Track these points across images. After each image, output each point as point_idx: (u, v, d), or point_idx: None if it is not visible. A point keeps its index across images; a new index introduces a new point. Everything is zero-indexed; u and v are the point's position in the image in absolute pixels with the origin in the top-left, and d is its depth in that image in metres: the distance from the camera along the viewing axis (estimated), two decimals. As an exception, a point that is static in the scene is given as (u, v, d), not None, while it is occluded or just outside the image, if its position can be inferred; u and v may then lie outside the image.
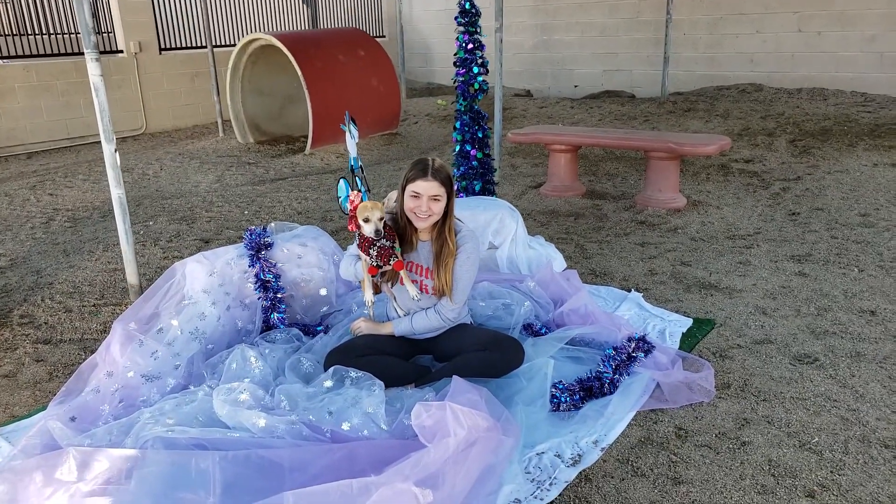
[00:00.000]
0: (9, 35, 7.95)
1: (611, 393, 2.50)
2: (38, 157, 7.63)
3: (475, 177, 4.33)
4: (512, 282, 3.27)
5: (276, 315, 2.96)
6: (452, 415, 2.01)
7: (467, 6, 4.11)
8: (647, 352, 2.66)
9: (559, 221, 4.77)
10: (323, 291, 3.12)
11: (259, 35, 7.29)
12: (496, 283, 3.24)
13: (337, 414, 2.24)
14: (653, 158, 4.90)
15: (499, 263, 3.63)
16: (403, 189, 2.53)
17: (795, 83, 8.76)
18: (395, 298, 2.70)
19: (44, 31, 8.29)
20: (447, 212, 2.54)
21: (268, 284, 2.96)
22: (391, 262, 2.53)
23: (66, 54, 8.29)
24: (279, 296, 2.97)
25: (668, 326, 3.08)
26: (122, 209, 3.28)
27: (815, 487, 2.05)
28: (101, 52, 3.06)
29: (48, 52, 8.19)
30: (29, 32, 8.19)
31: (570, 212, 4.98)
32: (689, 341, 2.96)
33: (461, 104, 4.25)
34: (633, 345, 2.66)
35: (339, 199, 2.71)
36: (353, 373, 2.44)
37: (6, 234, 4.82)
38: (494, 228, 3.66)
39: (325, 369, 2.51)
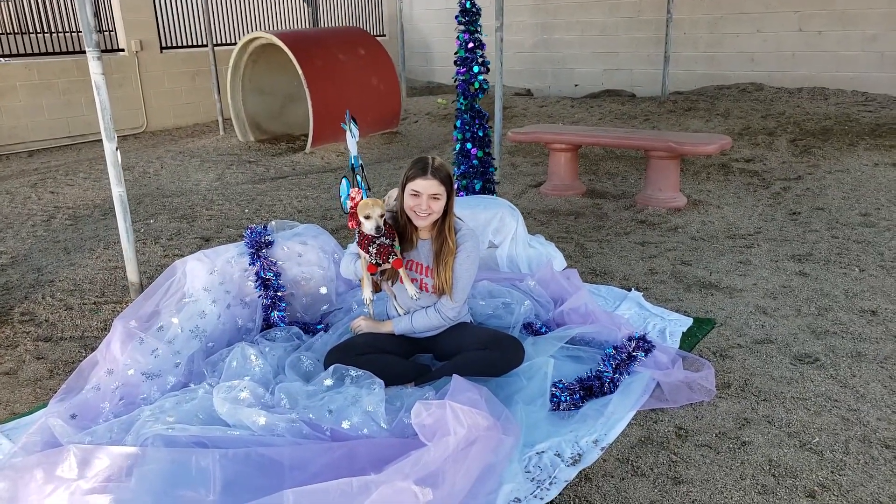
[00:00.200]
0: (10, 33, 7.95)
1: (611, 392, 2.50)
2: (39, 155, 7.64)
3: (475, 175, 4.33)
4: (512, 280, 3.27)
5: (276, 313, 2.96)
6: (452, 413, 2.01)
7: (468, 5, 4.11)
8: (648, 351, 2.66)
9: (559, 220, 4.77)
10: (323, 290, 3.12)
11: (260, 34, 7.28)
12: (496, 281, 3.24)
13: (337, 412, 2.24)
14: (653, 158, 4.90)
15: (499, 262, 3.63)
16: (403, 187, 2.53)
17: (796, 82, 8.76)
18: (395, 297, 2.70)
19: (45, 30, 8.29)
20: (447, 210, 2.55)
21: (268, 283, 2.96)
22: (390, 260, 2.53)
23: (68, 53, 8.29)
24: (279, 294, 2.97)
25: (669, 326, 3.08)
26: (123, 207, 3.28)
27: (815, 488, 2.05)
28: (103, 51, 3.07)
29: (49, 50, 8.18)
30: (30, 31, 8.19)
31: (570, 211, 4.98)
32: (689, 341, 2.96)
33: (462, 103, 4.25)
34: (633, 344, 2.66)
35: (341, 199, 2.71)
36: (353, 371, 2.44)
37: (7, 232, 4.82)
38: (494, 227, 3.66)
39: (325, 368, 2.51)
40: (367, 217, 2.45)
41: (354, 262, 2.69)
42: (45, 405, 2.54)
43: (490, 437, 2.04)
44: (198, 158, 7.15)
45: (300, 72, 6.85)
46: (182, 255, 3.68)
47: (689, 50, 9.47)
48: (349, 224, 2.53)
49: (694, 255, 4.02)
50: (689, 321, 3.13)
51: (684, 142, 4.74)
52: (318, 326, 3.03)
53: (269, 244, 3.03)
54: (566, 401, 2.44)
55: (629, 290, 3.49)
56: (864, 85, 8.32)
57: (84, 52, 3.07)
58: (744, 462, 2.16)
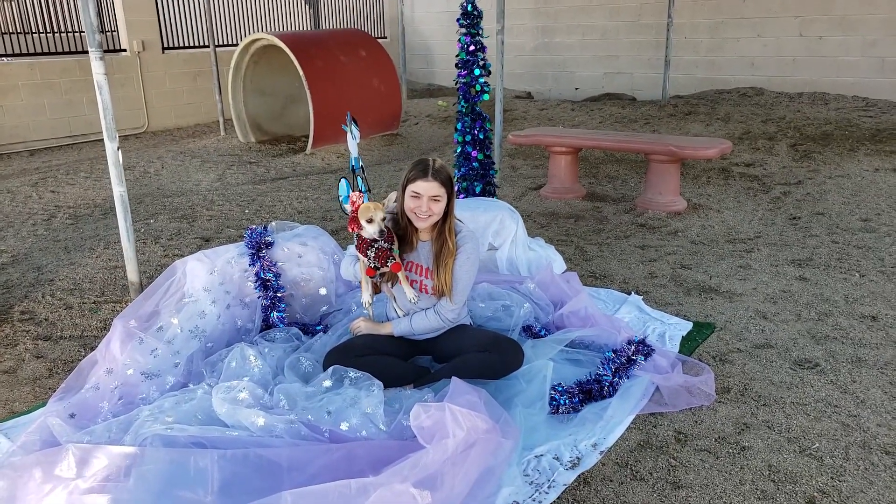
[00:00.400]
0: (13, 33, 7.96)
1: (610, 396, 2.49)
2: (40, 155, 7.64)
3: (476, 178, 4.33)
4: (512, 283, 3.27)
5: (275, 314, 2.96)
6: (451, 416, 2.01)
7: (469, 8, 4.12)
8: (647, 355, 2.65)
9: (559, 223, 4.77)
10: (323, 291, 3.12)
11: (261, 35, 7.29)
12: (496, 284, 3.23)
13: (336, 414, 2.23)
14: (653, 161, 4.91)
15: (498, 265, 3.63)
16: (404, 189, 2.53)
17: (796, 87, 8.77)
18: (394, 299, 2.70)
19: (47, 30, 8.29)
20: (447, 212, 2.55)
21: (268, 283, 2.96)
22: (389, 264, 2.53)
23: (70, 52, 8.30)
24: (279, 295, 2.97)
25: (668, 330, 3.07)
26: (124, 207, 3.28)
27: (815, 493, 2.04)
28: (105, 51, 3.07)
29: (52, 50, 8.19)
30: (33, 31, 8.20)
31: (570, 214, 4.98)
32: (688, 345, 2.96)
33: (462, 105, 4.26)
34: (632, 348, 2.65)
35: (340, 199, 2.71)
36: (352, 373, 2.44)
37: (8, 231, 4.82)
38: (494, 229, 3.66)
39: (325, 369, 2.51)
40: (370, 221, 2.45)
41: (354, 264, 2.69)
42: (44, 404, 2.54)
43: (489, 440, 2.04)
44: (198, 159, 7.15)
45: (301, 73, 6.85)
46: (182, 256, 3.67)
47: (689, 54, 9.49)
48: (349, 228, 2.52)
49: (694, 259, 4.02)
50: (689, 325, 3.13)
51: (685, 146, 4.74)
52: (318, 327, 3.03)
53: (270, 245, 3.03)
54: (565, 404, 2.43)
55: (629, 293, 3.49)
56: (865, 90, 8.33)
57: (86, 52, 3.08)
58: (743, 467, 2.16)
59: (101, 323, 3.33)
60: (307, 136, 7.38)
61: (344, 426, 2.18)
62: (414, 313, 2.65)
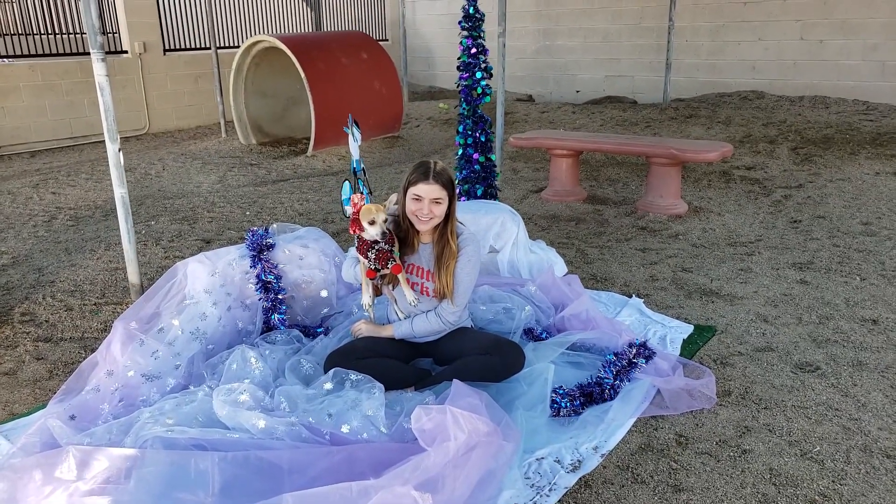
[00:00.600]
0: (14, 34, 7.97)
1: (611, 399, 2.49)
2: (41, 156, 7.64)
3: (478, 181, 4.33)
4: (513, 286, 3.26)
5: (276, 316, 2.95)
6: (453, 419, 2.01)
7: (471, 10, 4.12)
8: (648, 358, 2.65)
9: (560, 226, 4.77)
10: (324, 293, 3.12)
11: (263, 37, 7.30)
12: (497, 286, 3.23)
13: (336, 416, 2.23)
14: (654, 164, 4.91)
15: (500, 267, 3.63)
16: (405, 192, 2.53)
17: (797, 91, 8.78)
18: (395, 301, 2.70)
19: (49, 31, 8.30)
20: (449, 214, 2.54)
21: (269, 285, 2.95)
22: (389, 266, 2.53)
23: (71, 54, 8.31)
24: (280, 297, 2.97)
25: (669, 333, 3.07)
26: (125, 208, 3.28)
27: (816, 497, 2.04)
28: (106, 53, 3.07)
29: (53, 51, 8.20)
30: (34, 32, 8.21)
31: (571, 216, 4.98)
32: (689, 348, 2.95)
33: (464, 108, 4.26)
34: (633, 351, 2.65)
35: (342, 201, 2.71)
36: (353, 375, 2.43)
37: (8, 232, 4.82)
38: (496, 232, 3.66)
39: (325, 371, 2.51)
40: (372, 223, 2.44)
41: (355, 266, 2.69)
42: (44, 406, 2.53)
43: (490, 443, 2.03)
44: (199, 160, 7.15)
45: (302, 75, 6.86)
46: (183, 257, 3.67)
47: (690, 57, 9.50)
48: (350, 230, 2.52)
49: (695, 262, 4.02)
50: (690, 328, 3.13)
51: (686, 149, 4.74)
52: (319, 330, 3.03)
53: (271, 247, 3.03)
54: (566, 407, 2.43)
55: (630, 296, 3.49)
56: (866, 94, 8.34)
57: (87, 54, 3.08)
58: (744, 470, 2.16)
59: (101, 324, 3.32)
60: (308, 139, 7.38)
61: (345, 429, 2.18)
62: (415, 316, 2.65)
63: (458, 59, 4.22)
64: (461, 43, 4.18)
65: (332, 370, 2.46)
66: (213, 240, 4.56)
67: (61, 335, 3.23)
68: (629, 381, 2.57)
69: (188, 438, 2.10)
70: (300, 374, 2.58)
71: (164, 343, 2.63)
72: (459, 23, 4.17)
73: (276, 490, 1.90)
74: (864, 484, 2.09)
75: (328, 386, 2.41)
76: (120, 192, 3.25)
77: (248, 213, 5.23)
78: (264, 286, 2.95)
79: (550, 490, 2.06)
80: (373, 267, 2.54)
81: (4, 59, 7.76)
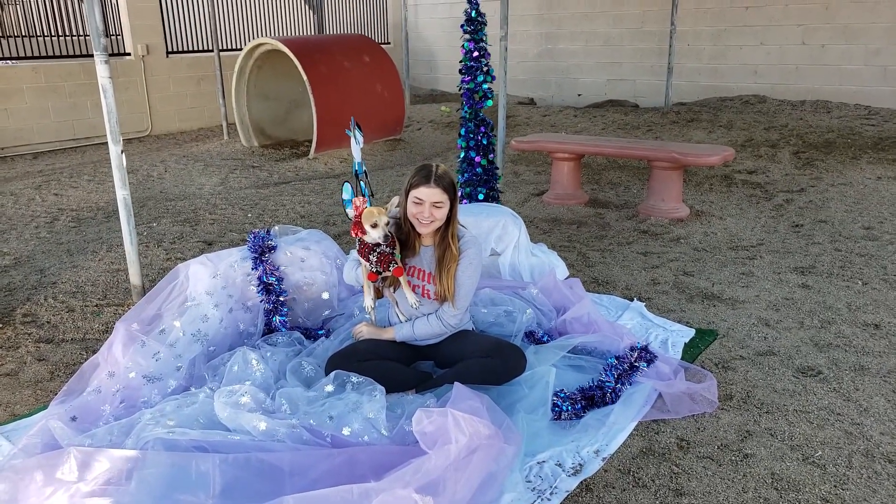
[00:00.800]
0: (17, 36, 7.99)
1: (612, 402, 2.49)
2: (43, 158, 7.66)
3: (479, 183, 4.34)
4: (514, 289, 3.26)
5: (278, 318, 2.95)
6: (454, 421, 2.01)
7: (473, 14, 4.13)
8: (650, 361, 2.65)
9: (562, 229, 4.77)
10: (325, 295, 3.12)
11: (265, 40, 7.32)
12: (498, 289, 3.23)
13: (338, 418, 2.23)
14: (656, 168, 4.91)
15: (501, 270, 3.63)
16: (406, 194, 2.53)
17: (799, 95, 8.78)
18: (396, 304, 2.70)
19: (52, 33, 8.33)
20: (451, 218, 2.55)
21: (270, 287, 2.96)
22: (390, 268, 2.53)
23: (74, 56, 8.33)
24: (281, 299, 2.97)
25: (671, 336, 3.07)
26: (127, 210, 3.28)
27: (818, 502, 2.03)
28: (109, 55, 3.08)
29: (56, 53, 8.22)
30: (37, 34, 8.23)
31: (572, 220, 4.98)
32: (691, 352, 2.95)
33: (466, 111, 4.27)
34: (635, 354, 2.65)
35: (343, 202, 2.71)
36: (355, 377, 2.43)
37: (11, 233, 4.83)
38: (497, 235, 3.66)
39: (327, 373, 2.51)
40: (374, 226, 2.44)
41: (356, 269, 2.69)
42: (45, 407, 2.53)
43: (491, 446, 2.03)
44: (202, 163, 7.16)
45: (305, 78, 6.87)
46: (184, 259, 3.68)
47: (692, 61, 9.51)
48: (352, 232, 2.52)
49: (696, 265, 4.01)
50: (692, 332, 3.12)
51: (687, 152, 4.74)
52: (320, 332, 3.03)
53: (272, 249, 3.03)
54: (568, 410, 2.43)
55: (631, 300, 3.49)
56: (868, 99, 8.34)
57: (90, 56, 3.08)
58: (746, 475, 2.15)
59: (103, 326, 3.33)
60: (310, 141, 7.39)
61: (346, 431, 2.18)
62: (416, 318, 2.65)
63: (461, 62, 4.23)
64: (463, 46, 4.19)
65: (334, 372, 2.46)
66: (215, 242, 4.57)
67: (63, 336, 3.23)
68: (631, 384, 2.57)
69: (189, 440, 2.09)
70: (301, 376, 2.58)
71: (165, 345, 2.63)
72: (462, 26, 4.18)
73: (277, 492, 1.90)
74: (866, 489, 2.08)
75: (329, 388, 2.41)
76: (122, 194, 3.26)
77: (249, 215, 5.23)
78: (266, 288, 2.95)
79: (552, 493, 2.05)
80: (374, 270, 2.54)
81: (8, 61, 7.78)
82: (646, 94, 9.95)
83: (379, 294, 2.71)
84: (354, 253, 2.67)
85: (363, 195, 2.60)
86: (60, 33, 8.39)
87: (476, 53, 4.16)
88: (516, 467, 2.11)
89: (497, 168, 4.43)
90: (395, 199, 2.58)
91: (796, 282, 3.73)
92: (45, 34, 8.27)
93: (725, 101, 8.99)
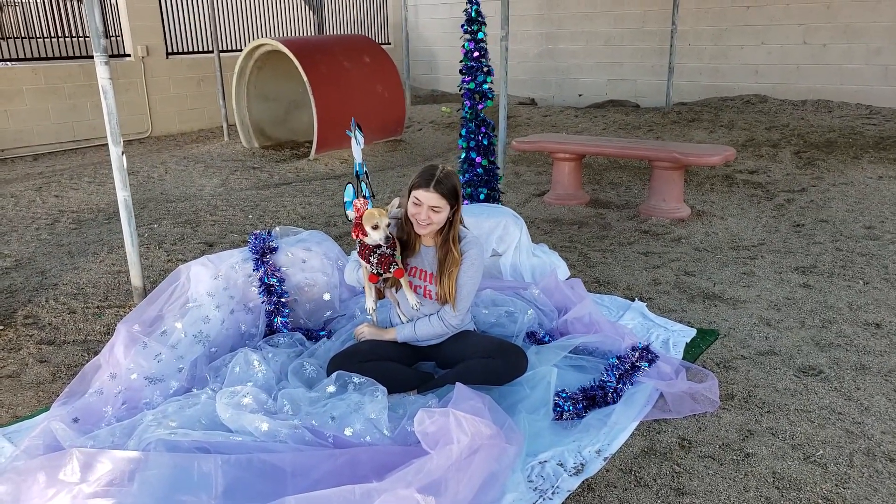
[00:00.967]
0: (17, 37, 8.00)
1: (614, 402, 2.49)
2: (44, 159, 7.66)
3: (480, 184, 4.34)
4: (516, 289, 3.26)
5: (279, 319, 2.96)
6: (455, 422, 2.01)
7: (473, 14, 4.13)
8: (651, 361, 2.65)
9: (563, 230, 4.77)
10: (326, 296, 3.12)
11: (265, 41, 7.32)
12: (500, 290, 3.23)
13: (339, 419, 2.23)
14: (657, 168, 4.91)
15: (502, 271, 3.63)
16: (409, 193, 2.53)
17: (800, 95, 8.78)
18: (398, 304, 2.70)
19: (52, 34, 8.34)
20: (452, 222, 2.54)
21: (272, 288, 2.96)
22: (391, 270, 2.53)
23: (74, 57, 8.34)
24: (283, 300, 2.97)
25: (672, 336, 3.07)
26: (128, 211, 3.28)
27: (819, 501, 2.04)
28: (109, 56, 3.08)
29: (56, 55, 8.23)
30: (37, 35, 8.24)
31: (573, 220, 4.98)
32: (692, 352, 2.95)
33: (466, 111, 4.27)
34: (636, 354, 2.65)
35: (345, 203, 2.71)
36: (356, 378, 2.43)
37: (11, 235, 4.83)
38: (498, 235, 3.67)
39: (328, 374, 2.51)
40: (375, 227, 2.44)
41: (358, 270, 2.69)
42: (47, 409, 2.54)
43: (493, 446, 2.03)
44: (202, 164, 7.17)
45: (305, 78, 6.87)
46: (186, 260, 3.68)
47: (693, 61, 9.51)
48: (353, 234, 2.52)
49: (697, 265, 4.01)
50: (693, 332, 3.12)
51: (688, 152, 4.74)
52: (322, 333, 3.03)
53: (273, 250, 3.03)
54: (569, 410, 2.43)
55: (633, 300, 3.49)
56: (869, 98, 8.34)
57: (90, 57, 3.08)
58: (747, 474, 2.15)
59: (104, 327, 3.33)
60: (311, 142, 7.39)
61: (348, 431, 2.18)
62: (418, 319, 2.65)
63: (461, 62, 4.23)
64: (464, 46, 4.19)
65: (335, 373, 2.47)
66: (216, 243, 4.57)
67: (64, 338, 3.23)
68: (632, 384, 2.57)
69: (191, 441, 2.10)
70: (303, 377, 2.58)
71: (167, 346, 2.63)
72: (462, 26, 4.18)
73: (280, 493, 1.90)
74: (868, 487, 2.08)
75: (331, 389, 2.41)
76: (123, 196, 3.26)
77: (250, 216, 5.24)
78: (267, 289, 2.95)
79: (553, 493, 2.05)
80: (374, 271, 2.54)
81: (7, 63, 7.78)
82: (647, 93, 9.95)
83: (381, 295, 2.71)
84: (356, 254, 2.67)
85: (364, 196, 2.60)
86: (60, 35, 8.39)
87: (476, 53, 4.16)
88: (518, 467, 2.12)
89: (498, 168, 4.43)
90: (396, 201, 2.58)
91: (797, 281, 3.73)
92: (45, 35, 8.28)
93: (726, 101, 8.99)
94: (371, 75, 7.64)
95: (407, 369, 2.64)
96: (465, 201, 4.31)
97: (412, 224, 2.56)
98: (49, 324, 3.38)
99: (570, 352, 2.78)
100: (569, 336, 2.90)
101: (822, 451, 2.26)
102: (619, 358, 2.65)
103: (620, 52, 10.16)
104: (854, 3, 8.25)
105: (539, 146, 5.43)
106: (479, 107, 4.24)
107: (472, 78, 4.19)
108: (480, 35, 4.15)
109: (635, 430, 2.38)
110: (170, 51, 9.14)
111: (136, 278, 3.40)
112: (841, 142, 6.87)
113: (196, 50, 9.52)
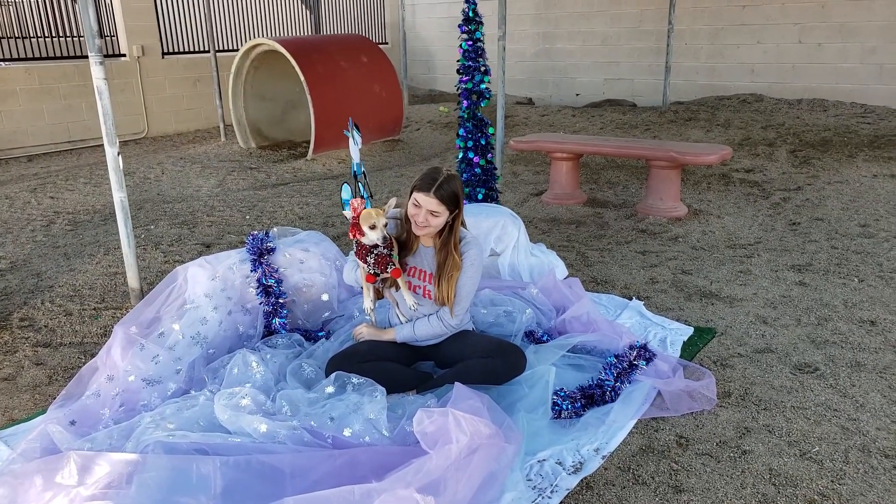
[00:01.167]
0: (11, 37, 7.97)
1: (612, 401, 2.50)
2: (39, 160, 7.64)
3: (478, 184, 4.34)
4: (514, 289, 3.27)
5: (277, 320, 2.95)
6: (454, 421, 2.01)
7: (471, 14, 4.13)
8: (649, 360, 2.66)
9: (561, 229, 4.77)
10: (325, 297, 3.12)
11: (262, 40, 7.31)
12: (498, 290, 3.24)
13: (338, 420, 2.23)
14: (654, 167, 4.92)
15: (501, 270, 3.63)
16: (410, 193, 2.53)
17: (796, 94, 8.80)
18: (396, 304, 2.70)
19: (46, 34, 8.31)
20: (453, 226, 2.54)
21: (270, 289, 2.95)
22: (388, 270, 2.53)
23: (69, 57, 8.31)
24: (281, 301, 2.97)
25: (669, 335, 3.08)
26: (124, 212, 3.28)
27: (815, 497, 2.04)
28: (104, 56, 3.07)
29: (50, 54, 8.20)
30: (31, 35, 8.21)
31: (571, 220, 4.99)
32: (689, 350, 2.96)
33: (464, 111, 4.27)
34: (634, 353, 2.66)
35: (342, 202, 2.71)
36: (355, 379, 2.44)
37: (6, 237, 4.82)
38: (497, 235, 3.67)
39: (327, 375, 2.51)
40: (372, 227, 2.44)
41: (356, 270, 2.69)
42: (44, 411, 2.53)
43: (492, 445, 2.04)
44: (199, 164, 7.16)
45: (302, 78, 6.87)
46: (182, 261, 3.68)
47: (689, 60, 9.52)
48: (350, 234, 2.52)
49: (694, 264, 4.02)
50: (690, 330, 3.13)
51: (685, 151, 4.75)
52: (320, 333, 3.03)
53: (271, 251, 3.03)
54: (568, 409, 2.43)
55: (630, 299, 3.50)
56: (864, 97, 8.36)
57: (85, 57, 3.07)
58: (744, 471, 2.16)
59: (101, 329, 3.32)
60: (308, 142, 7.39)
61: (347, 432, 2.18)
62: (416, 319, 2.66)
63: (458, 62, 4.24)
64: (461, 46, 4.19)
65: (334, 374, 2.47)
66: (213, 244, 4.56)
67: (61, 340, 3.23)
68: (630, 383, 2.58)
69: (189, 443, 2.09)
70: (301, 377, 2.58)
71: (164, 348, 2.63)
72: (459, 26, 4.18)
73: (278, 494, 1.90)
74: (863, 483, 2.09)
75: (330, 390, 2.41)
76: (119, 197, 3.25)
77: (248, 216, 5.23)
78: (265, 290, 2.95)
79: (552, 492, 2.06)
80: (372, 271, 2.54)
81: (1, 63, 7.75)
82: (643, 93, 9.96)
83: (379, 295, 2.71)
84: (353, 254, 2.67)
85: (361, 196, 2.60)
86: (54, 34, 8.36)
87: (474, 53, 4.16)
88: (517, 466, 2.12)
89: (496, 168, 4.44)
90: (393, 201, 2.58)
91: (793, 279, 3.74)
92: (39, 35, 8.25)
93: (723, 100, 9.01)
94: (368, 75, 7.63)
95: (406, 369, 2.64)
96: (465, 202, 4.31)
97: (411, 224, 2.57)
98: (45, 326, 3.37)
99: (568, 351, 2.79)
100: (567, 335, 2.91)
101: (817, 448, 2.27)
102: (617, 356, 2.66)
103: (617, 52, 10.17)
104: (849, 2, 8.27)
105: (536, 146, 5.43)
106: (476, 105, 4.24)
107: (469, 77, 4.19)
108: (478, 34, 4.15)
109: (633, 428, 2.38)
110: (166, 51, 9.12)
111: (132, 280, 3.39)
112: (836, 140, 6.89)
113: (192, 50, 9.50)
